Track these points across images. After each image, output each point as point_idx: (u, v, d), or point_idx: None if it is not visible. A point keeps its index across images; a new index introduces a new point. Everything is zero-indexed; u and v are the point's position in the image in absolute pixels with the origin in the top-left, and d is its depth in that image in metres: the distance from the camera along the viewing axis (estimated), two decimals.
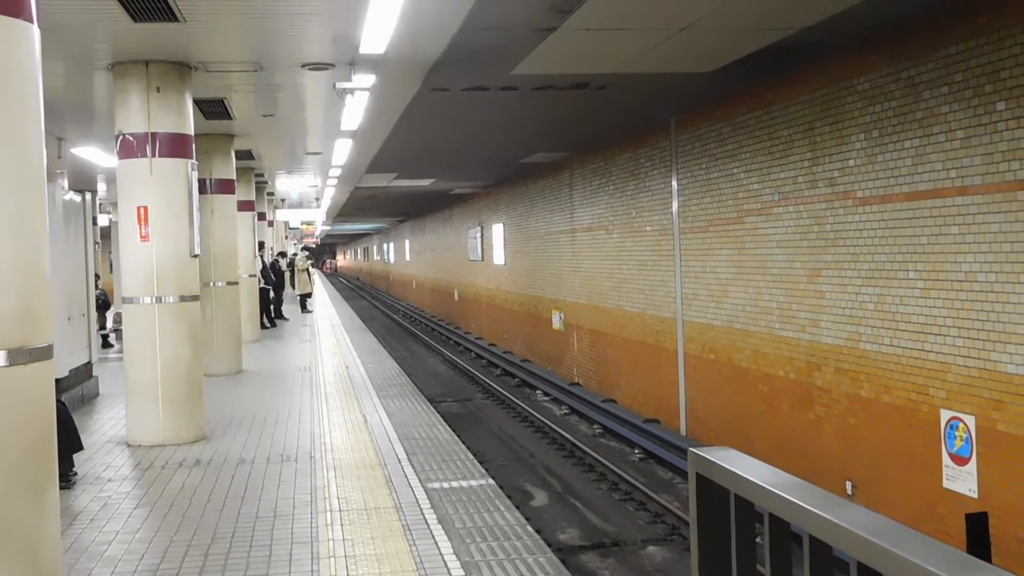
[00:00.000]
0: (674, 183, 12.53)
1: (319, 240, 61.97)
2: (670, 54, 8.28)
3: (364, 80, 8.29)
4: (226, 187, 12.37)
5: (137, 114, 7.57)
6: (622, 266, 14.67)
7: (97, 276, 12.90)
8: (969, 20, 7.00)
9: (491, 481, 6.64)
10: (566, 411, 15.67)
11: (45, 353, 3.49)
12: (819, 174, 9.04)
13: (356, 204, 28.92)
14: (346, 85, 8.34)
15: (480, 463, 7.49)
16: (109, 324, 15.62)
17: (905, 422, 7.84)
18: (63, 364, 8.40)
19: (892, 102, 7.90)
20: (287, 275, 24.17)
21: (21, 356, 3.35)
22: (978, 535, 6.21)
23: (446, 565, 4.67)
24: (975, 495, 7.01)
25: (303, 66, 7.86)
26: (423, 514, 5.56)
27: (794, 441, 9.59)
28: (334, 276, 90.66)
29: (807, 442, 9.34)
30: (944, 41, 7.26)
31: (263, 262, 19.58)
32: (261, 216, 21.22)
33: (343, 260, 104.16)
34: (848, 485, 8.55)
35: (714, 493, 1.92)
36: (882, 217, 8.09)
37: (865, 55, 8.20)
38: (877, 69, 8.08)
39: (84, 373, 9.93)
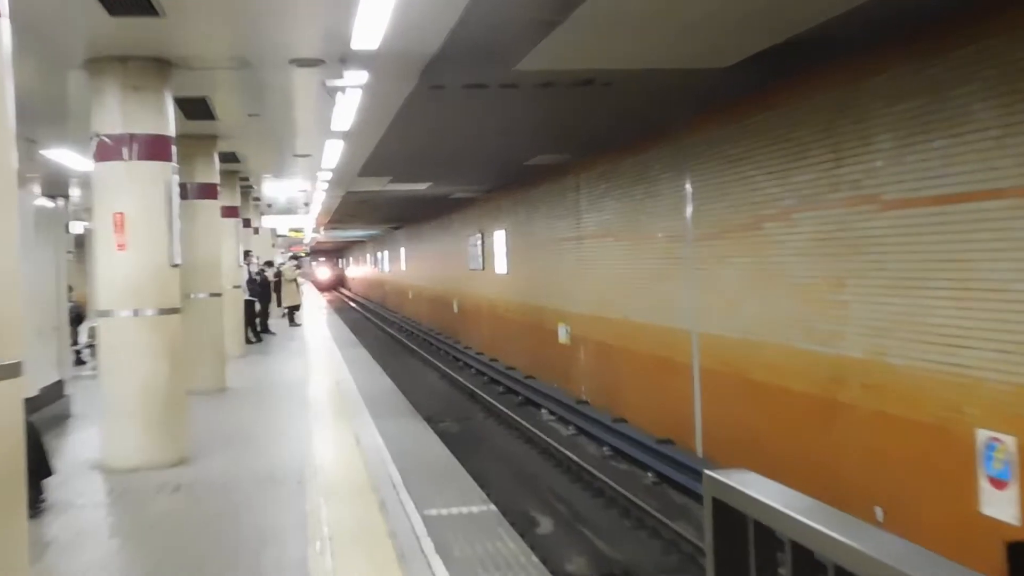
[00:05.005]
0: (687, 187, 12.53)
1: (309, 247, 61.82)
2: (681, 49, 8.29)
3: (356, 77, 8.30)
4: (209, 192, 12.39)
5: (113, 114, 7.57)
6: (632, 275, 14.66)
7: (70, 288, 12.90)
8: (1001, 11, 7.00)
9: (493, 507, 6.62)
10: (573, 431, 15.63)
11: (13, 370, 3.48)
12: (841, 177, 9.04)
13: (348, 210, 28.96)
14: (337, 83, 8.36)
15: (481, 487, 7.47)
16: (83, 339, 15.61)
17: (937, 442, 7.81)
18: (33, 382, 8.39)
19: (918, 100, 7.90)
20: (273, 286, 24.16)
21: None
22: (1019, 565, 6.17)
23: None
24: (1017, 522, 6.96)
25: (291, 62, 7.87)
26: (420, 542, 5.54)
27: (818, 463, 9.55)
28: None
29: (832, 464, 9.31)
30: (975, 34, 7.26)
31: (250, 272, 19.60)
32: (246, 222, 21.25)
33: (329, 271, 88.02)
34: (878, 512, 8.50)
35: (732, 519, 1.91)
36: (909, 222, 8.08)
37: (889, 49, 8.21)
38: (902, 64, 8.08)
39: (55, 392, 9.92)
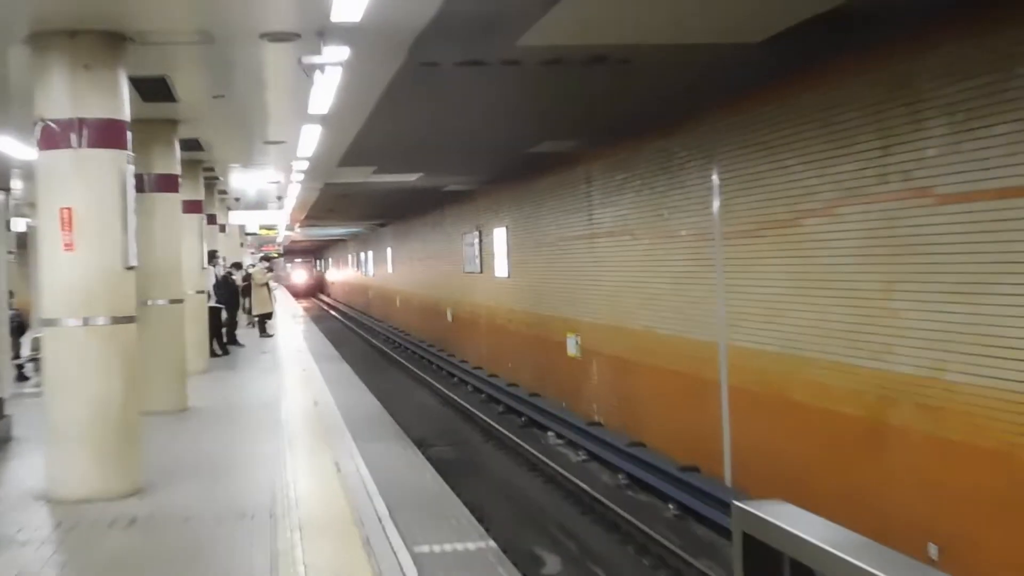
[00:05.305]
0: (715, 178, 12.55)
1: (282, 247, 61.83)
2: (708, 21, 8.30)
3: (336, 53, 8.32)
4: (168, 184, 12.41)
5: (61, 96, 7.59)
6: (652, 279, 14.67)
7: (11, 293, 12.94)
8: None
9: (492, 543, 6.63)
10: (584, 457, 15.64)
11: None
12: (891, 167, 9.06)
13: (328, 204, 29.01)
14: (314, 60, 8.37)
15: (479, 521, 7.48)
16: (25, 352, 15.65)
17: (1001, 471, 7.81)
18: None
19: (980, 79, 7.91)
20: (241, 291, 24.20)
21: None
22: None
23: None
24: None
25: (262, 37, 7.89)
26: None
27: (864, 493, 9.55)
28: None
29: (879, 495, 9.31)
30: None
31: (215, 275, 19.63)
32: (211, 219, 21.28)
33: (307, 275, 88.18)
34: (932, 549, 8.50)
35: (764, 556, 1.92)
36: (969, 218, 8.09)
37: (947, 21, 8.22)
38: (962, 39, 8.09)
39: None
